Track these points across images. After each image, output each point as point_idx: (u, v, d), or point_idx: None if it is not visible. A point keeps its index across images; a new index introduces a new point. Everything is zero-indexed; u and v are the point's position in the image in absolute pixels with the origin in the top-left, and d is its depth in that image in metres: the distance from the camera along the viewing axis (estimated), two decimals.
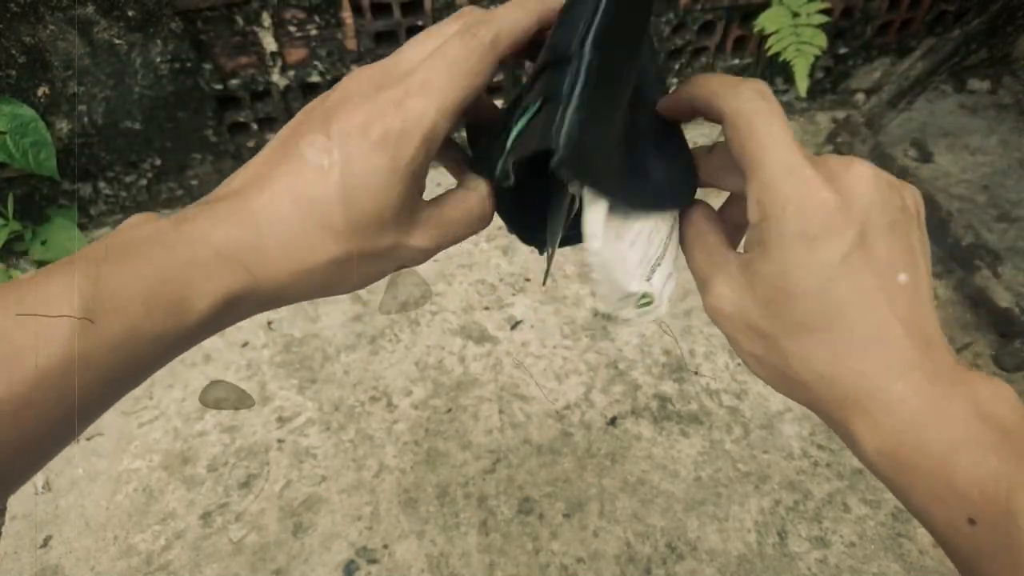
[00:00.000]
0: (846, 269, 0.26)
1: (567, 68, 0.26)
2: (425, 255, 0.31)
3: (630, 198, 0.30)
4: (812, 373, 0.27)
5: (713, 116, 0.30)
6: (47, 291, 0.23)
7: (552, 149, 0.25)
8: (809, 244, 0.26)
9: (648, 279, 0.33)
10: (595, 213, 0.28)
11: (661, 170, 0.32)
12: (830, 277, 0.26)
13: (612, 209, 0.30)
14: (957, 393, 0.25)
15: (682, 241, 0.33)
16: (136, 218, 0.27)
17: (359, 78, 0.28)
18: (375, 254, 0.29)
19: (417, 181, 0.28)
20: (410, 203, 0.29)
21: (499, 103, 1.25)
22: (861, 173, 0.27)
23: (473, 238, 1.21)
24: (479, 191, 0.32)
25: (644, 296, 0.33)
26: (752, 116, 0.27)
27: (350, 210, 0.27)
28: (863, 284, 0.26)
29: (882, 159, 1.18)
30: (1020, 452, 0.23)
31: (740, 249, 0.31)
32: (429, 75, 0.27)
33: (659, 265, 0.33)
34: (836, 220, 0.26)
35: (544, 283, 0.33)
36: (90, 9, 0.94)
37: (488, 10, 0.30)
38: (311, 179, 0.27)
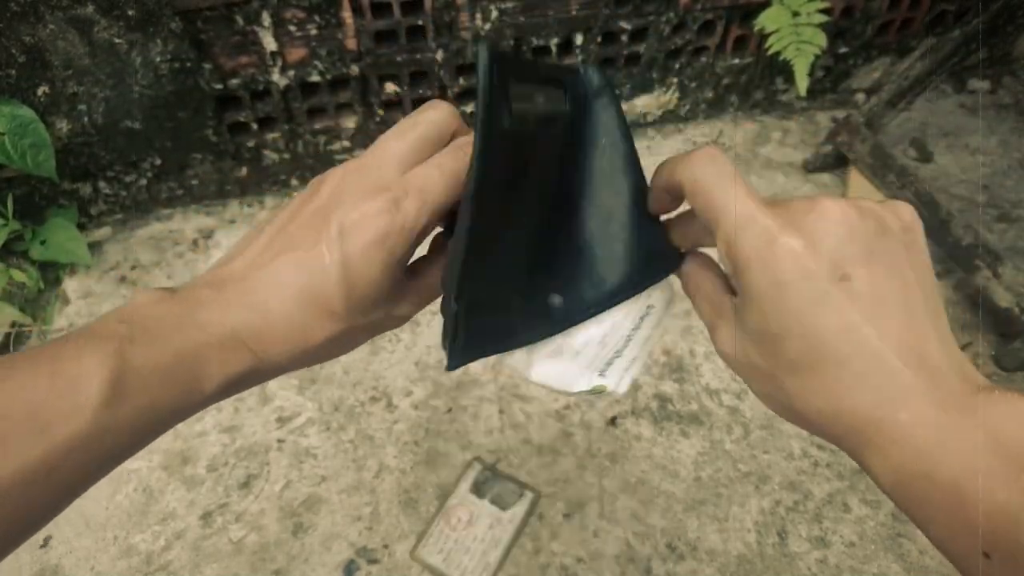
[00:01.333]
0: (825, 307, 0.26)
1: (448, 307, 0.30)
2: (406, 319, 0.35)
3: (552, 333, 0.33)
4: (815, 410, 0.27)
5: (680, 194, 0.31)
6: (78, 367, 0.25)
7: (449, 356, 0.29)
8: (781, 291, 0.26)
9: (602, 374, 0.34)
10: (512, 358, 0.32)
11: (619, 261, 0.33)
12: (810, 318, 0.26)
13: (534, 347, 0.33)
14: (965, 419, 0.24)
15: (686, 291, 0.34)
16: (148, 295, 0.30)
17: (348, 176, 0.32)
18: (367, 327, 0.33)
19: (401, 267, 0.32)
20: (398, 283, 0.32)
21: None
22: (825, 211, 0.27)
23: None
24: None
25: (594, 389, 0.34)
26: (704, 181, 0.29)
27: (349, 297, 0.30)
28: (847, 320, 0.26)
29: (882, 159, 1.18)
30: None
31: None
32: (427, 183, 0.31)
33: (618, 357, 0.34)
34: (803, 263, 0.26)
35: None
36: (90, 8, 0.94)
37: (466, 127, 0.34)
38: (313, 271, 0.30)
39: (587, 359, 0.33)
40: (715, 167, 0.29)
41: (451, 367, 0.29)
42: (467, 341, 0.29)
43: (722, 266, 0.29)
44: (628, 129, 0.33)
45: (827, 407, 0.27)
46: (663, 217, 0.34)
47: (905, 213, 0.29)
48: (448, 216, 0.35)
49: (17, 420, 0.24)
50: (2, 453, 0.23)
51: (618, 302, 0.33)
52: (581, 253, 0.33)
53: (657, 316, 0.34)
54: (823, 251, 0.26)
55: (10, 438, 0.24)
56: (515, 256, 0.31)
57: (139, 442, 0.28)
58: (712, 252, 0.33)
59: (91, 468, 0.26)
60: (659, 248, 0.33)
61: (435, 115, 0.33)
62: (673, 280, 0.35)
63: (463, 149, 0.32)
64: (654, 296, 0.34)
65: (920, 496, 0.24)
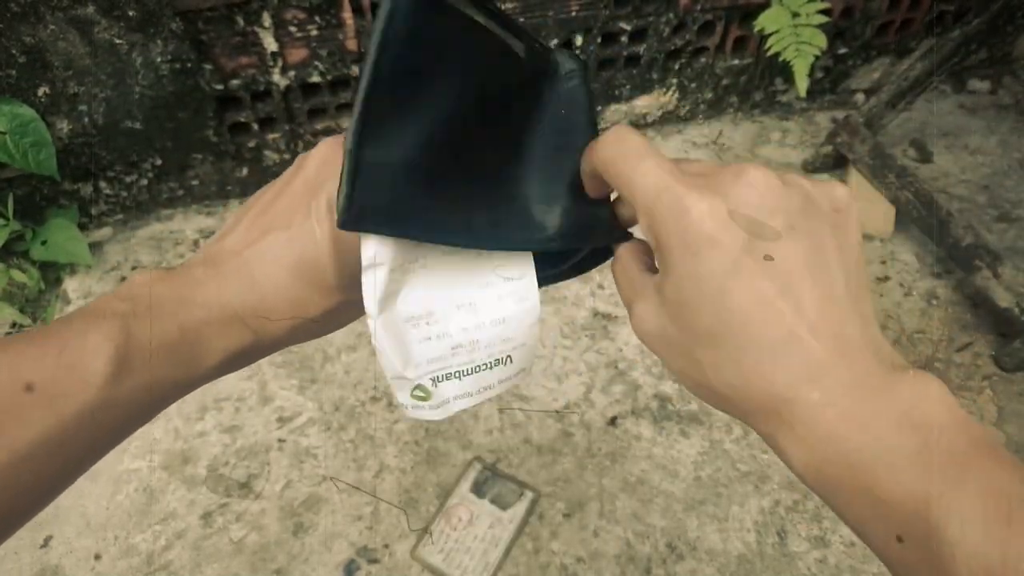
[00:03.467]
0: (739, 278, 0.25)
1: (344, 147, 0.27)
2: None
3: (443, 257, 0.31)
4: (727, 384, 0.26)
5: (592, 173, 0.30)
6: (85, 342, 0.26)
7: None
8: (693, 257, 0.25)
9: (434, 381, 0.32)
10: (372, 274, 0.29)
11: (558, 217, 0.32)
12: (722, 288, 0.25)
13: (402, 276, 0.30)
14: (878, 399, 0.23)
15: (613, 273, 0.33)
16: (146, 275, 0.31)
17: (334, 150, 0.32)
18: (359, 299, 0.32)
19: None
20: None
21: None
22: (751, 179, 0.26)
23: None
24: None
25: (420, 389, 0.32)
26: (615, 160, 0.28)
27: (341, 270, 0.31)
28: (761, 291, 0.25)
29: (881, 159, 1.18)
30: (943, 459, 0.22)
31: None
32: None
33: (460, 378, 0.32)
34: (716, 230, 0.25)
35: None
36: (90, 9, 0.94)
37: None
38: (305, 246, 0.30)
39: (429, 348, 0.31)
40: (623, 145, 0.28)
41: (341, 223, 0.26)
42: (362, 198, 0.26)
43: (648, 240, 0.28)
44: (594, 114, 0.33)
45: (738, 382, 0.26)
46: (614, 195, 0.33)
47: (839, 193, 0.28)
48: None
49: (29, 393, 0.25)
50: (17, 425, 0.24)
51: (548, 248, 0.32)
52: (515, 199, 0.32)
53: (510, 371, 0.33)
54: (741, 221, 0.25)
55: (24, 410, 0.25)
56: (435, 146, 0.29)
57: (144, 415, 0.29)
58: None
59: (99, 440, 0.27)
60: (602, 223, 0.33)
61: None
62: (536, 346, 0.34)
63: None
64: (517, 351, 0.33)
65: (834, 480, 0.24)
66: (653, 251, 0.29)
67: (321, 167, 0.31)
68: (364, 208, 0.26)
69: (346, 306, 0.32)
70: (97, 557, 0.83)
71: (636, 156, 0.28)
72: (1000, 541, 0.20)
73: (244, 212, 0.33)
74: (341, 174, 0.26)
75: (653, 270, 0.31)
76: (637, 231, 0.31)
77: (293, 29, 1.05)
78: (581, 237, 0.33)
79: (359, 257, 0.29)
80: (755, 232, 0.25)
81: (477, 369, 0.33)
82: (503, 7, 1.10)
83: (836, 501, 0.24)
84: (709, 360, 0.27)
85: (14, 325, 1.07)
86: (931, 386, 0.23)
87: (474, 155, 0.31)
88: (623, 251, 0.33)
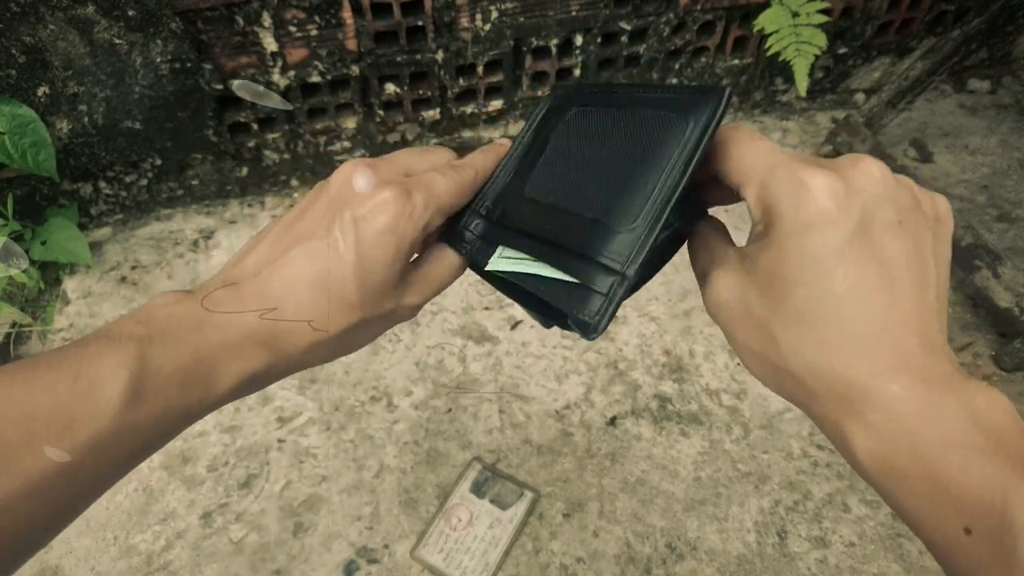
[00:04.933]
0: (846, 260, 0.25)
1: (611, 278, 0.29)
2: (414, 310, 0.36)
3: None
4: (805, 364, 0.26)
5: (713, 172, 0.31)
6: (100, 368, 0.26)
7: (589, 326, 0.29)
8: (805, 231, 0.26)
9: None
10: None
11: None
12: (827, 267, 0.25)
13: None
14: (954, 398, 0.24)
15: (690, 250, 0.34)
16: (165, 297, 0.31)
17: (359, 170, 0.33)
18: (379, 317, 0.33)
19: (410, 254, 0.33)
20: (405, 273, 0.33)
21: (500, 103, 1.25)
22: (867, 168, 0.26)
23: None
24: (451, 251, 0.37)
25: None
26: (730, 138, 0.29)
27: (363, 284, 0.31)
28: (864, 278, 0.25)
29: (882, 159, 1.18)
30: (1015, 460, 0.22)
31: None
32: (433, 180, 0.33)
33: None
34: (834, 209, 0.25)
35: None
36: (90, 9, 0.94)
37: (465, 157, 0.37)
38: (327, 260, 0.31)
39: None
40: (738, 130, 0.29)
41: (596, 336, 0.29)
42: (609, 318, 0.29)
43: (752, 213, 0.28)
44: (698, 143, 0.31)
45: (819, 362, 0.26)
46: None
47: (941, 205, 0.29)
48: (448, 221, 0.36)
49: (43, 420, 0.24)
50: (30, 451, 0.24)
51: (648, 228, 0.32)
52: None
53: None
54: (856, 204, 0.25)
55: (37, 437, 0.24)
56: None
57: (156, 442, 0.28)
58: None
59: (113, 467, 0.27)
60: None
61: (440, 150, 0.36)
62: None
63: (464, 166, 0.35)
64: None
65: (900, 471, 0.24)
66: (755, 224, 0.28)
67: (343, 185, 0.32)
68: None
69: (365, 325, 0.33)
70: (97, 557, 0.83)
71: (751, 136, 0.28)
72: None
73: (264, 234, 0.33)
74: (608, 295, 0.29)
75: (731, 241, 0.32)
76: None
77: (293, 29, 1.05)
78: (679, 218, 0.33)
79: (382, 274, 0.31)
80: (867, 219, 0.26)
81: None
82: (503, 7, 1.10)
83: (899, 493, 0.24)
84: (790, 338, 0.27)
85: (14, 325, 1.06)
86: (1001, 397, 0.24)
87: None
88: (705, 225, 0.33)
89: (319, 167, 1.28)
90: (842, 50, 1.37)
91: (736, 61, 1.33)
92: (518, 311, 1.08)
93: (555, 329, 1.06)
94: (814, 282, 0.26)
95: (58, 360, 0.26)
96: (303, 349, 0.31)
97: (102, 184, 1.16)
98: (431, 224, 0.33)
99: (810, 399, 0.27)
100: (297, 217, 0.33)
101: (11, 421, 0.24)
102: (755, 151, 0.28)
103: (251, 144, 1.19)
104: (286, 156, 1.23)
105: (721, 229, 0.33)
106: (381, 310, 0.33)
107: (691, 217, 0.34)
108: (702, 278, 0.31)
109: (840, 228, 0.25)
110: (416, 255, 0.36)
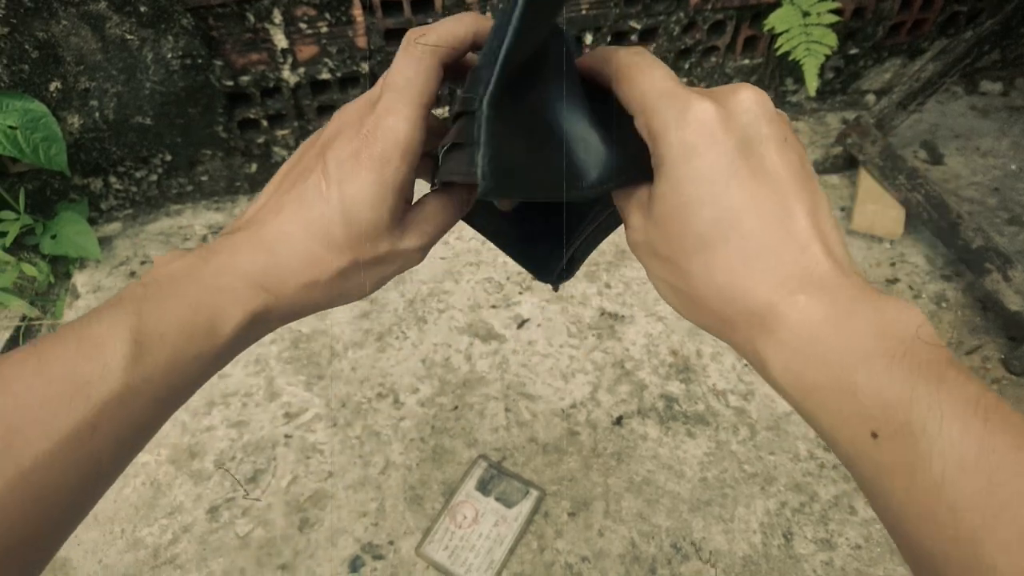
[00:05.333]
0: (738, 176, 0.26)
1: (473, 119, 0.28)
2: (419, 253, 0.34)
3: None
4: (713, 288, 0.27)
5: (605, 82, 0.31)
6: (99, 329, 0.26)
7: (477, 183, 0.27)
8: (693, 153, 0.26)
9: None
10: None
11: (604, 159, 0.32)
12: (720, 184, 0.26)
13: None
14: (864, 307, 0.24)
15: (615, 200, 0.33)
16: (166, 255, 0.31)
17: (348, 112, 0.32)
18: (375, 260, 0.32)
19: (403, 191, 0.31)
20: (399, 212, 0.32)
21: None
22: (746, 93, 0.27)
23: (480, 237, 1.21)
24: (447, 193, 0.35)
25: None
26: (629, 67, 0.29)
27: (349, 225, 0.30)
28: (757, 194, 0.26)
29: (892, 160, 1.18)
30: (922, 365, 0.22)
31: None
32: (388, 102, 0.31)
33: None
34: (717, 128, 0.26)
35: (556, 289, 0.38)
36: (102, 5, 0.94)
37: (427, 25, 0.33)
38: (313, 202, 0.30)
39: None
40: (640, 57, 0.29)
41: (484, 191, 0.26)
42: (493, 162, 0.27)
43: (647, 141, 0.29)
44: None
45: (727, 283, 0.26)
46: None
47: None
48: (431, 161, 0.36)
49: (56, 385, 0.25)
50: (50, 416, 0.24)
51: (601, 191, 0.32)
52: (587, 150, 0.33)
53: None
54: (737, 124, 0.26)
55: (53, 402, 0.24)
56: (536, 113, 0.31)
57: (173, 396, 0.29)
58: None
59: (131, 427, 0.27)
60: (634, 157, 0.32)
61: (449, 27, 0.31)
62: None
63: (408, 48, 0.31)
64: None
65: (810, 382, 0.24)
66: (651, 158, 0.29)
67: (338, 130, 0.32)
68: (497, 175, 0.27)
69: (359, 268, 0.32)
70: (104, 550, 0.83)
71: (647, 64, 0.29)
72: (977, 437, 0.21)
73: (268, 186, 0.34)
74: (476, 139, 0.27)
75: (649, 183, 0.31)
76: None
77: (303, 26, 1.05)
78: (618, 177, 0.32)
79: (368, 215, 0.30)
80: (751, 136, 0.26)
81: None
82: None
83: (810, 403, 0.25)
84: (697, 266, 0.27)
85: (23, 318, 1.07)
86: (912, 309, 0.24)
87: (552, 117, 0.32)
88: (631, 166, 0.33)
89: None
90: (853, 51, 1.37)
91: (746, 61, 1.33)
92: (525, 310, 1.08)
93: (561, 328, 1.06)
94: (710, 202, 0.26)
95: (62, 331, 0.27)
96: (298, 289, 0.31)
97: (112, 179, 1.17)
98: (411, 146, 0.31)
99: (727, 327, 0.28)
100: (295, 163, 0.33)
101: (29, 389, 0.24)
102: (648, 80, 0.28)
103: (261, 140, 1.19)
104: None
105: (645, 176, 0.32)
106: (374, 252, 0.32)
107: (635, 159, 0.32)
108: (625, 223, 0.32)
109: (726, 146, 0.26)
110: (417, 198, 0.35)
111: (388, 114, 0.30)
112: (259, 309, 0.30)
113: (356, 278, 0.33)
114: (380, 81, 0.33)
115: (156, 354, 0.27)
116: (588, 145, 0.31)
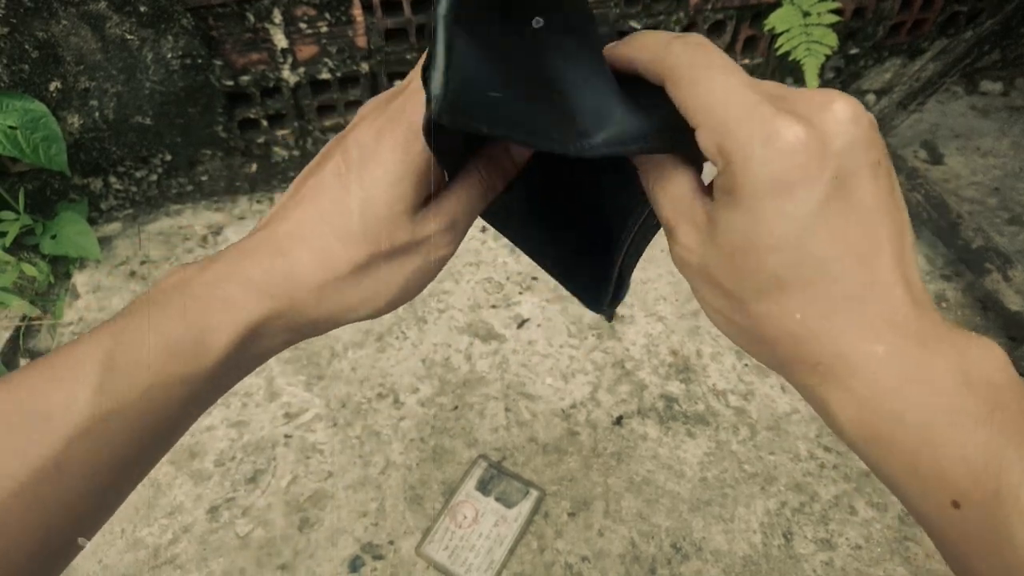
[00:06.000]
0: (825, 218, 0.23)
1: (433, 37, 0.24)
2: (444, 240, 0.30)
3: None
4: (783, 332, 0.24)
5: (653, 79, 0.26)
6: (75, 353, 0.24)
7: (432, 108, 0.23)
8: (781, 191, 0.22)
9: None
10: None
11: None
12: (807, 227, 0.23)
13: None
14: (943, 358, 0.22)
15: (646, 184, 0.29)
16: (171, 270, 0.28)
17: (373, 100, 0.30)
18: (393, 251, 0.29)
19: (425, 176, 0.28)
20: (418, 197, 0.29)
21: None
22: (841, 107, 0.23)
23: (480, 236, 1.21)
24: (475, 167, 0.31)
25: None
26: (691, 68, 0.24)
27: (366, 210, 0.27)
28: (847, 235, 0.23)
29: (892, 160, 1.17)
30: (1011, 426, 0.20)
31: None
32: (418, 82, 0.28)
33: None
34: (811, 162, 0.22)
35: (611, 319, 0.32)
36: (102, 5, 0.94)
37: None
38: (330, 187, 0.28)
39: None
40: (703, 52, 0.25)
41: (437, 112, 0.22)
42: (456, 82, 0.23)
43: (712, 160, 0.25)
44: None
45: (799, 330, 0.24)
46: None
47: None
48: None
49: (17, 418, 0.23)
50: (10, 453, 0.22)
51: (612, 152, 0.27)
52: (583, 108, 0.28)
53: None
54: (832, 152, 0.22)
55: (15, 436, 0.22)
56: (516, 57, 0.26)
57: (157, 427, 0.26)
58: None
59: (106, 463, 0.24)
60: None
61: None
62: None
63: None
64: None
65: (886, 439, 0.22)
66: (717, 174, 0.25)
67: (358, 119, 0.30)
68: (458, 96, 0.23)
69: (374, 265, 0.29)
70: (104, 550, 0.83)
71: (717, 67, 0.24)
72: None
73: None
74: (431, 54, 0.23)
75: (701, 190, 0.27)
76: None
77: (303, 26, 1.05)
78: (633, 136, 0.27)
79: (383, 200, 0.27)
80: (846, 166, 0.23)
81: None
82: None
83: (884, 462, 0.23)
84: (767, 307, 0.24)
85: (24, 318, 1.07)
86: (994, 349, 0.22)
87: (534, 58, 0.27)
88: (669, 162, 0.28)
89: None
90: (853, 51, 1.37)
91: (747, 61, 1.33)
92: (525, 310, 1.08)
93: (561, 328, 1.06)
94: (795, 245, 0.23)
95: (45, 357, 0.25)
96: (310, 292, 0.28)
97: (112, 179, 1.17)
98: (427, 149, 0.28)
99: (789, 366, 0.25)
100: (311, 170, 0.30)
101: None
102: (717, 88, 0.24)
103: (261, 140, 1.19)
104: (295, 152, 1.23)
105: (684, 167, 0.28)
106: (392, 243, 0.28)
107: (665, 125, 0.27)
108: (668, 230, 0.28)
109: (819, 185, 0.22)
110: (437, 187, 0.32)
111: (417, 92, 0.27)
112: (260, 319, 0.27)
113: (375, 276, 0.29)
114: (410, 74, 0.30)
115: (131, 380, 0.24)
116: (594, 95, 0.27)
